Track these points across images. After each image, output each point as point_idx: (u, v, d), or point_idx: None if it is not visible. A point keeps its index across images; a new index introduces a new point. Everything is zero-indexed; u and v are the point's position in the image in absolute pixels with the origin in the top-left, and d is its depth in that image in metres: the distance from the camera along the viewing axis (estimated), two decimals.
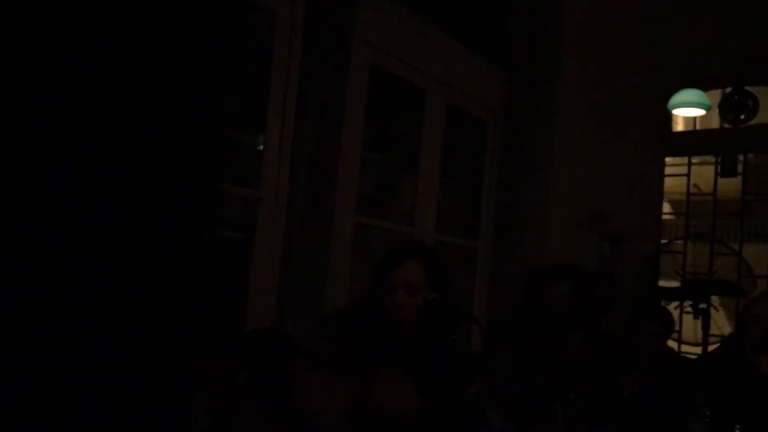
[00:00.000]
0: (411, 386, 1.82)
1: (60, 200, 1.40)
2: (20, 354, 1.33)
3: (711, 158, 5.31)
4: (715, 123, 6.18)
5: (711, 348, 3.39)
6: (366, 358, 1.85)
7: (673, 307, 4.47)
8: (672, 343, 4.02)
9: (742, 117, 5.03)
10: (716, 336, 4.22)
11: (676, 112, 4.37)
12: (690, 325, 4.51)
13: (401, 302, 1.92)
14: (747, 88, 5.01)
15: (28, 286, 1.35)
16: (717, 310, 5.00)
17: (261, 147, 3.20)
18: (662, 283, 5.15)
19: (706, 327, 3.12)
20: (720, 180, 5.16)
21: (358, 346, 1.87)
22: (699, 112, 4.36)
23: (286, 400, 1.72)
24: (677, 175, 5.39)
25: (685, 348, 4.83)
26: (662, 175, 5.33)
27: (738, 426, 2.35)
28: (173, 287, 1.61)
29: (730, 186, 5.34)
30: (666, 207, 5.72)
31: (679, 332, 4.86)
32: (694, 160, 5.36)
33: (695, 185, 5.57)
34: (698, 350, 4.16)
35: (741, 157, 5.19)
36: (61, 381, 1.37)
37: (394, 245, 2.17)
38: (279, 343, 1.82)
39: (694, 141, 5.60)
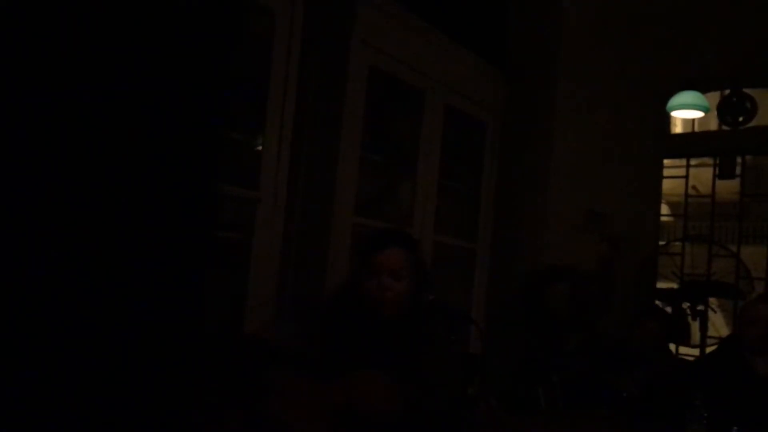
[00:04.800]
0: (392, 385, 1.81)
1: (59, 200, 1.41)
2: (19, 354, 1.33)
3: (709, 160, 5.33)
4: (713, 125, 6.19)
5: (709, 349, 3.40)
6: (346, 354, 1.84)
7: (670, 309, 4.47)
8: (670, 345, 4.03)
9: (741, 119, 5.04)
10: (714, 338, 4.22)
11: (674, 113, 4.38)
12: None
13: (386, 286, 1.95)
14: (745, 90, 5.02)
15: (27, 286, 1.35)
16: (715, 312, 5.01)
17: (260, 147, 3.20)
18: (660, 285, 5.16)
19: (704, 329, 3.13)
20: (718, 182, 5.17)
21: (337, 340, 1.88)
22: (697, 114, 4.37)
23: (265, 411, 1.71)
24: (676, 176, 5.40)
25: (683, 350, 4.83)
26: (660, 177, 5.34)
27: (736, 427, 2.35)
28: (173, 288, 1.61)
29: (729, 188, 5.34)
30: (664, 208, 5.73)
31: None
32: (693, 161, 5.37)
33: (693, 187, 5.58)
34: (696, 352, 4.17)
35: (739, 159, 5.20)
36: (60, 381, 1.37)
37: (378, 232, 2.19)
38: (255, 351, 1.82)
39: (692, 143, 5.62)
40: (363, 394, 1.77)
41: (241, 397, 1.74)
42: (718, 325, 6.54)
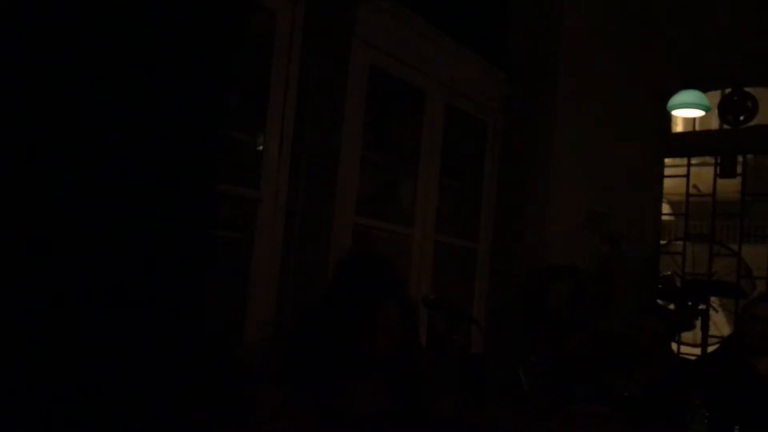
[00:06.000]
0: (381, 387, 1.81)
1: (58, 200, 1.40)
2: (17, 355, 1.33)
3: (710, 159, 5.32)
4: (714, 124, 6.19)
5: (710, 349, 3.39)
6: (330, 371, 1.83)
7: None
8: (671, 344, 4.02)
9: (742, 118, 5.03)
10: (715, 337, 4.22)
11: (675, 112, 4.37)
12: None
13: (380, 346, 1.91)
14: (746, 89, 5.02)
15: (25, 285, 1.35)
16: (716, 311, 5.01)
17: (260, 147, 3.20)
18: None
19: (705, 328, 3.12)
20: (719, 181, 5.17)
21: (319, 363, 1.84)
22: (698, 113, 4.36)
23: (251, 422, 1.70)
24: (677, 175, 5.40)
25: (684, 349, 4.83)
26: (662, 176, 5.33)
27: (737, 426, 2.35)
28: (173, 288, 1.61)
29: (730, 187, 5.34)
30: (665, 208, 5.72)
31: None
32: (694, 160, 5.36)
33: (694, 186, 5.58)
34: (698, 351, 4.17)
35: (740, 158, 5.19)
36: (59, 382, 1.37)
37: (374, 281, 2.05)
38: (233, 370, 1.81)
39: (693, 142, 5.61)
40: (352, 397, 1.77)
41: (227, 411, 1.73)
42: (720, 325, 6.54)
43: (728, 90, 5.10)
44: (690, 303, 3.70)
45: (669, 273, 5.08)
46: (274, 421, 1.71)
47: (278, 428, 1.71)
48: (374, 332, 1.90)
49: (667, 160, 5.38)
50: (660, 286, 4.76)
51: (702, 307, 3.14)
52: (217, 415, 1.68)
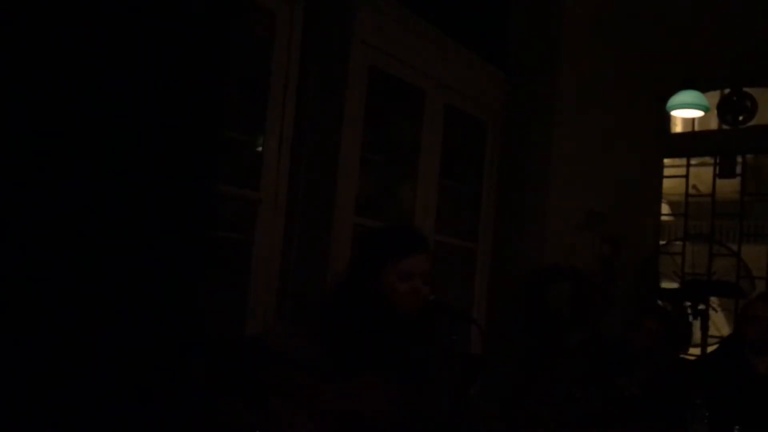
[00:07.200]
0: (395, 390, 1.81)
1: (57, 200, 1.40)
2: (17, 354, 1.33)
3: (709, 159, 5.33)
4: (713, 124, 6.21)
5: (710, 349, 3.39)
6: (352, 357, 1.83)
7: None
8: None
9: (741, 118, 5.04)
10: (715, 337, 4.22)
11: (674, 113, 4.38)
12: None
13: (421, 290, 1.93)
14: (745, 89, 5.03)
15: (25, 285, 1.35)
16: (716, 311, 5.01)
17: (260, 148, 3.20)
18: (661, 284, 5.16)
19: (704, 328, 3.12)
20: (718, 181, 5.18)
21: (344, 338, 1.85)
22: (697, 114, 4.37)
23: (264, 413, 1.70)
24: (676, 176, 5.40)
25: None
26: (661, 176, 5.34)
27: (737, 426, 2.35)
28: (171, 289, 1.61)
29: (729, 187, 5.35)
30: (665, 208, 5.73)
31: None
32: (693, 161, 5.37)
33: (694, 186, 5.59)
34: (698, 351, 4.17)
35: (739, 158, 5.20)
36: (58, 381, 1.37)
37: (401, 233, 2.14)
38: (257, 354, 1.81)
39: (692, 142, 5.62)
40: (365, 400, 1.77)
41: (241, 395, 1.73)
42: (719, 325, 6.54)
43: (727, 90, 5.11)
44: (689, 305, 3.71)
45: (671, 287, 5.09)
46: (292, 409, 1.71)
47: (295, 418, 1.71)
48: (412, 280, 1.92)
49: (666, 161, 5.39)
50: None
51: (702, 307, 3.15)
52: (218, 413, 1.68)
